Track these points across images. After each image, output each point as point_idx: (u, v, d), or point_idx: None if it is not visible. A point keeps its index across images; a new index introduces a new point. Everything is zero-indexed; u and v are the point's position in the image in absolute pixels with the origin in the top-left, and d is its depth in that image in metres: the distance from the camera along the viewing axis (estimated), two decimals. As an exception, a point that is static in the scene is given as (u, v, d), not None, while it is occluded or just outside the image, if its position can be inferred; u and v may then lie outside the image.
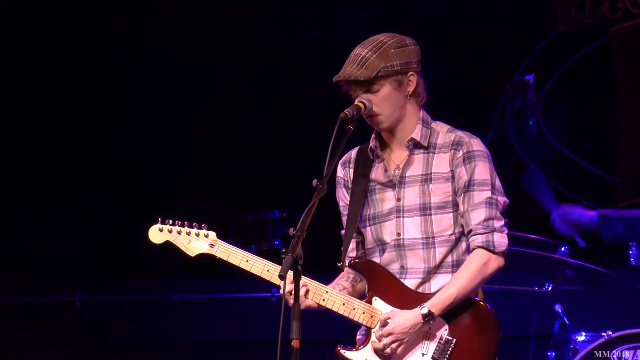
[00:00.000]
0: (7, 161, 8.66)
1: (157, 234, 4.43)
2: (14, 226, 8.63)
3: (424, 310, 4.19)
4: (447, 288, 4.23)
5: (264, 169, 8.71)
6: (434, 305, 4.20)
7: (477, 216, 4.28)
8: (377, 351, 4.24)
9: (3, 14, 8.57)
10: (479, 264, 4.25)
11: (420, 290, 4.32)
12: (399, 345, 4.20)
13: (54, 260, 8.52)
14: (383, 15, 8.48)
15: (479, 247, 4.27)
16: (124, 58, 8.72)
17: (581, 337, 6.34)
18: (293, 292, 3.93)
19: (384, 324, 4.24)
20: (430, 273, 4.32)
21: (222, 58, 8.76)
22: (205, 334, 8.30)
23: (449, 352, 4.23)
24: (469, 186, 4.31)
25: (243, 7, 8.70)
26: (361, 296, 4.39)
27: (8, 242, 8.55)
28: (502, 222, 4.32)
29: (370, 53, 4.27)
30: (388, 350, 4.21)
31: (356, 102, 4.27)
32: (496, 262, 4.28)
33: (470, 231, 4.30)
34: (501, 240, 4.28)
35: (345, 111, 4.19)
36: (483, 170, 4.32)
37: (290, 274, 3.91)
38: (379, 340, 4.22)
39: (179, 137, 8.77)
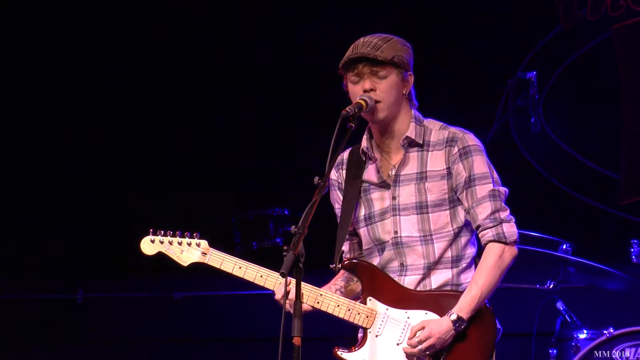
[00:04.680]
0: (7, 157, 8.67)
1: (149, 245, 4.44)
2: (15, 223, 8.63)
3: (453, 317, 4.19)
4: (469, 289, 4.24)
5: (266, 166, 8.71)
6: (461, 309, 4.20)
7: (483, 211, 4.29)
8: (409, 355, 4.23)
9: None
10: (495, 259, 4.26)
11: (420, 287, 4.32)
12: (433, 351, 4.19)
13: (56, 257, 8.53)
14: (384, 12, 8.47)
15: (490, 241, 4.29)
16: (126, 53, 8.74)
17: (583, 335, 6.34)
18: (290, 292, 3.96)
19: (415, 332, 4.21)
20: (430, 269, 4.32)
21: (224, 54, 8.76)
22: (207, 331, 8.30)
23: (446, 349, 4.22)
24: (469, 182, 4.31)
25: (245, 4, 8.70)
26: (356, 296, 4.39)
27: (9, 239, 8.56)
28: (508, 212, 4.33)
29: (381, 42, 4.30)
30: (422, 354, 4.19)
31: (358, 99, 4.27)
32: (510, 252, 4.30)
33: (478, 227, 4.31)
34: (511, 229, 4.30)
35: (347, 109, 4.20)
36: (481, 164, 4.33)
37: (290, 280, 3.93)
38: (413, 346, 4.20)
39: (181, 134, 8.77)
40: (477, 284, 4.23)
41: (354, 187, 4.42)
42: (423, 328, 4.20)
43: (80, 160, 8.69)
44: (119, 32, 8.74)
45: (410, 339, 4.21)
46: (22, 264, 8.51)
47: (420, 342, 4.18)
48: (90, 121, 8.72)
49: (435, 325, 4.19)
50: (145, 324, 8.36)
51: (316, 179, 4.02)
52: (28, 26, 8.72)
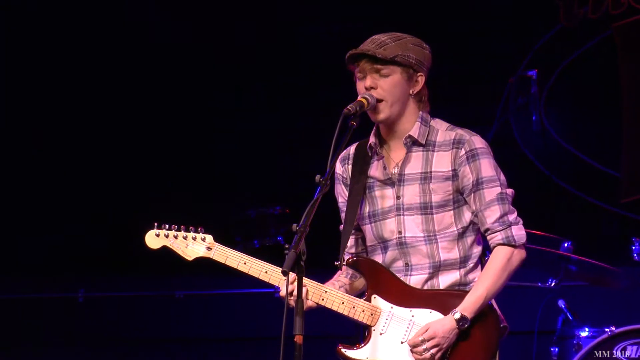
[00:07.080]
0: (9, 157, 8.67)
1: (154, 239, 4.42)
2: (16, 223, 8.63)
3: (457, 315, 4.19)
4: (475, 289, 4.24)
5: (267, 164, 8.71)
6: (466, 308, 4.20)
7: (492, 214, 4.29)
8: (415, 355, 4.21)
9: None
10: (503, 261, 4.27)
11: (427, 286, 4.32)
12: (438, 350, 4.18)
13: (57, 256, 8.53)
14: (385, 10, 8.47)
15: (499, 244, 4.29)
16: (130, 52, 8.74)
17: (584, 333, 6.34)
18: (294, 290, 3.94)
19: (419, 333, 4.20)
20: (436, 269, 4.32)
21: (223, 52, 8.75)
22: (209, 330, 8.30)
23: (450, 348, 4.22)
24: (477, 185, 4.31)
25: (245, 3, 8.70)
26: (360, 293, 4.39)
27: (11, 239, 8.55)
28: (515, 214, 4.34)
29: (390, 40, 4.30)
30: (428, 355, 4.17)
31: (359, 98, 4.26)
32: (519, 255, 4.33)
33: (487, 230, 4.31)
34: (519, 232, 4.32)
35: (349, 107, 4.19)
36: (488, 166, 4.32)
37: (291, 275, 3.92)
38: (416, 346, 4.19)
39: (181, 132, 8.77)
40: (483, 285, 4.23)
41: (360, 183, 4.42)
42: (427, 330, 4.19)
43: (80, 160, 8.68)
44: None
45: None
46: (22, 264, 8.51)
47: (424, 342, 4.17)
48: (91, 118, 8.72)
49: (438, 325, 4.19)
50: (147, 322, 8.36)
51: (317, 177, 4.02)
52: None
